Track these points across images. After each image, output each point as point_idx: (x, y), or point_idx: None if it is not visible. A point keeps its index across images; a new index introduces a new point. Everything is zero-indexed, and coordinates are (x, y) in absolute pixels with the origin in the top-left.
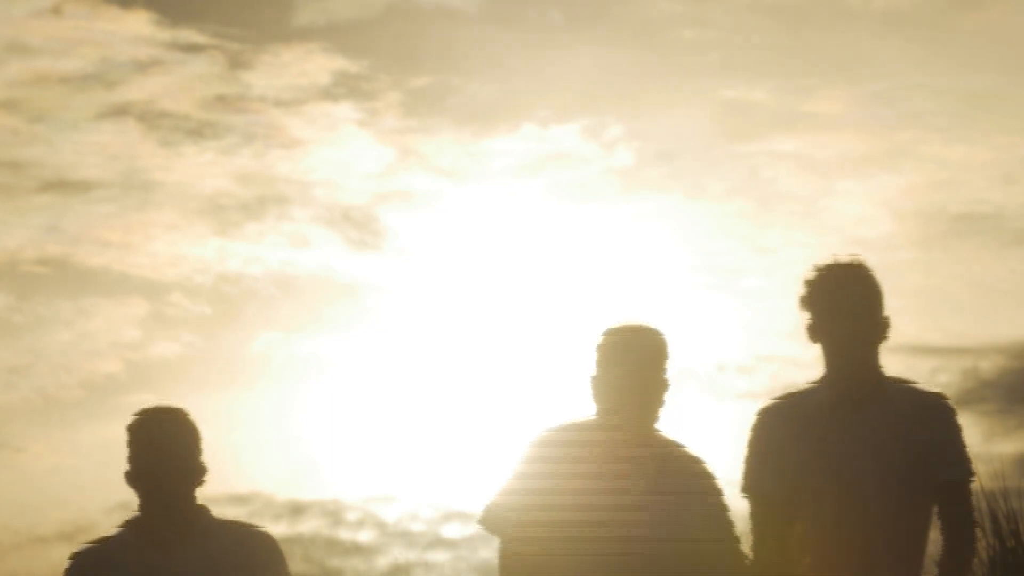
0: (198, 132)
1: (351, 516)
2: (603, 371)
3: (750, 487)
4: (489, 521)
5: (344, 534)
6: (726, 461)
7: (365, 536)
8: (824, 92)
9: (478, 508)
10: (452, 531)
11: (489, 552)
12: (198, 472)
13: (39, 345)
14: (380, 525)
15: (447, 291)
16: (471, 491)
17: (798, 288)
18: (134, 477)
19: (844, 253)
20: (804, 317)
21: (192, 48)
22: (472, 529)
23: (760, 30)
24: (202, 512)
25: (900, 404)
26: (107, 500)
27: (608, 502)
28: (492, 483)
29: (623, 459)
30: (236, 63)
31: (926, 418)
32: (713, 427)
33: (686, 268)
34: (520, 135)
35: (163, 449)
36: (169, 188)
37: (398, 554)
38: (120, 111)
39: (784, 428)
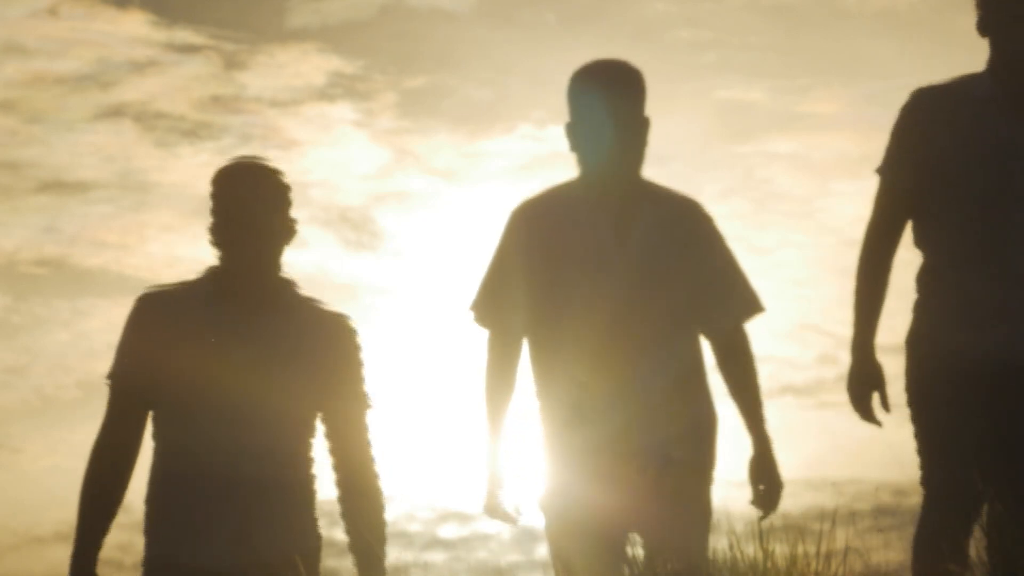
0: (194, 133)
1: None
2: (578, 116)
3: (885, 170)
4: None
5: (341, 535)
6: (726, 461)
7: None
8: (820, 93)
9: (475, 509)
10: (449, 532)
11: (486, 553)
12: (286, 230)
13: (36, 345)
14: None
15: (444, 292)
16: (468, 492)
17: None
18: (216, 232)
19: (841, 254)
20: (976, 14)
21: (188, 49)
22: (469, 530)
23: (756, 31)
24: (286, 283)
25: None
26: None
27: (608, 254)
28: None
29: (614, 209)
30: (232, 64)
31: None
32: None
33: None
34: (516, 136)
35: (248, 201)
36: (165, 189)
37: (395, 554)
38: (116, 112)
39: (936, 111)
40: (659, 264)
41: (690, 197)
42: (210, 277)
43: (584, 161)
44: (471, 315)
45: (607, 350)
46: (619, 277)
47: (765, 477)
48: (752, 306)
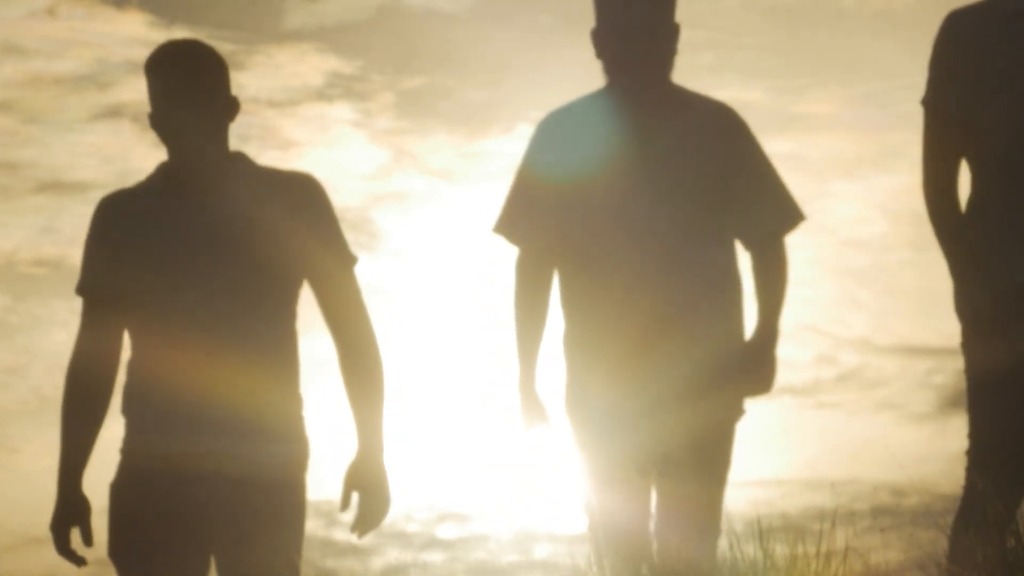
0: None
1: (347, 517)
2: (604, 20)
3: (928, 99)
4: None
5: (339, 535)
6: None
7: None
8: (818, 93)
9: (474, 510)
10: (447, 532)
11: (485, 553)
12: (227, 107)
13: (35, 346)
14: None
15: (443, 292)
16: (466, 492)
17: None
18: (155, 119)
19: (840, 254)
20: None
21: None
22: (467, 530)
23: (753, 31)
24: (238, 158)
25: None
26: (103, 500)
27: (632, 163)
28: (488, 485)
29: (643, 114)
30: (229, 64)
31: None
32: None
33: None
34: (514, 136)
35: (180, 80)
36: None
37: (393, 555)
38: (115, 112)
39: (978, 30)
40: (687, 172)
41: (723, 103)
42: (160, 170)
43: (609, 69)
44: (499, 235)
45: (637, 264)
46: (644, 187)
47: (758, 360)
48: (792, 216)
